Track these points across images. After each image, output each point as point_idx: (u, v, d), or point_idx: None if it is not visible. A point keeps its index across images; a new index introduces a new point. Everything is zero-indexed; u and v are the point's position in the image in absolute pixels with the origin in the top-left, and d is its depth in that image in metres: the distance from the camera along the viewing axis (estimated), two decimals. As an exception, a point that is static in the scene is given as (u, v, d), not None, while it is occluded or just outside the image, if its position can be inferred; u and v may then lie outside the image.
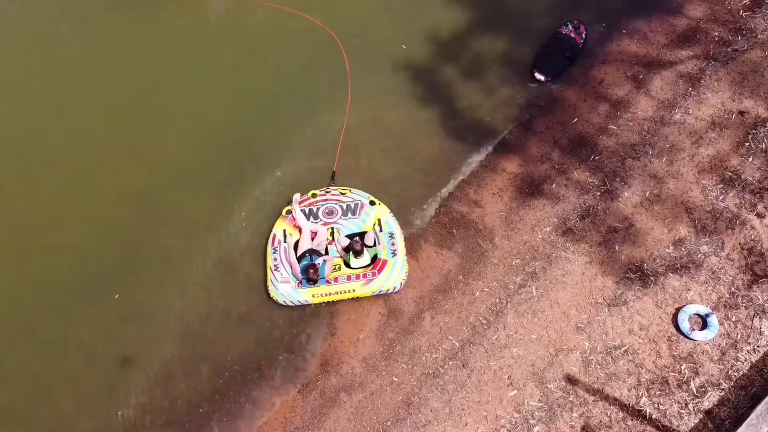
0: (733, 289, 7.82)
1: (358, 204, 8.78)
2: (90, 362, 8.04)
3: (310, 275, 8.07)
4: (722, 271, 7.95)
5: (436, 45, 10.50)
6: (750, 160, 8.75)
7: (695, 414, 7.10)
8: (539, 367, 7.61)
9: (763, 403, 6.83)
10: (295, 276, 8.24)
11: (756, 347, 7.40)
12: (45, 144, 9.70)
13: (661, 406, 7.20)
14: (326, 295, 8.13)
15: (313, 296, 8.13)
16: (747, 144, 8.90)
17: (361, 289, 8.13)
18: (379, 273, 8.16)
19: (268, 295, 8.27)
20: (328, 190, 8.98)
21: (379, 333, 8.07)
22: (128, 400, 7.80)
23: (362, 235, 8.61)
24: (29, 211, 9.13)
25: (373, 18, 10.82)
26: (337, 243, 8.55)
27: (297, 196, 8.91)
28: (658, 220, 8.48)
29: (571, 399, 7.37)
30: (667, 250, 8.21)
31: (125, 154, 9.52)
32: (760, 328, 7.51)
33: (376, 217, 8.70)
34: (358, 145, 9.50)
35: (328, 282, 8.15)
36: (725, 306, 7.71)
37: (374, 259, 8.37)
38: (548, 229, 8.62)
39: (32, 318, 8.30)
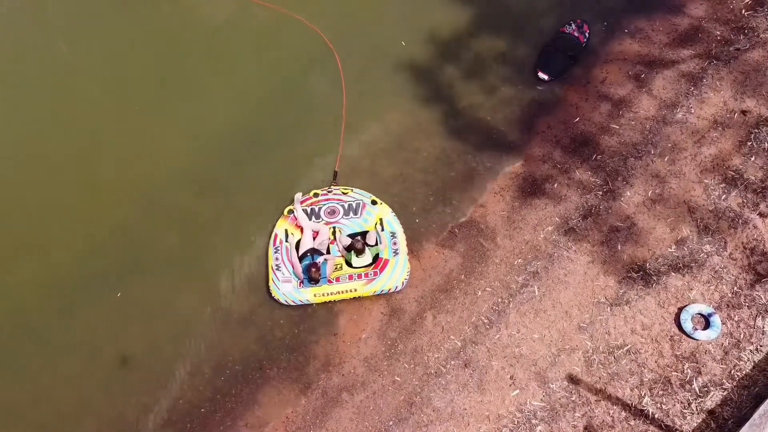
0: (735, 288, 7.80)
1: (359, 203, 8.76)
2: (91, 362, 8.02)
3: (311, 275, 8.05)
4: (725, 270, 7.93)
5: (437, 44, 10.48)
6: (752, 159, 8.74)
7: (698, 414, 7.08)
8: (541, 367, 7.59)
9: (766, 402, 6.82)
10: (296, 275, 8.23)
11: (759, 347, 7.38)
12: (47, 143, 9.68)
13: (663, 406, 7.18)
14: (328, 294, 8.12)
15: (314, 296, 8.11)
16: (749, 143, 8.88)
17: (362, 288, 8.11)
18: (380, 272, 8.14)
19: (270, 294, 8.26)
20: (329, 189, 8.97)
21: (381, 332, 8.06)
22: (129, 399, 7.77)
23: (364, 234, 8.60)
24: (30, 210, 9.11)
25: (373, 17, 10.80)
26: (339, 242, 8.53)
27: (299, 196, 8.90)
28: (661, 219, 8.47)
29: (573, 399, 7.35)
30: (669, 250, 8.20)
31: (126, 155, 9.51)
32: (763, 327, 7.50)
33: (377, 217, 8.68)
34: (359, 145, 9.48)
35: (329, 281, 8.14)
36: (728, 305, 7.70)
37: (376, 258, 8.36)
38: (550, 228, 8.60)
39: (33, 317, 8.27)
